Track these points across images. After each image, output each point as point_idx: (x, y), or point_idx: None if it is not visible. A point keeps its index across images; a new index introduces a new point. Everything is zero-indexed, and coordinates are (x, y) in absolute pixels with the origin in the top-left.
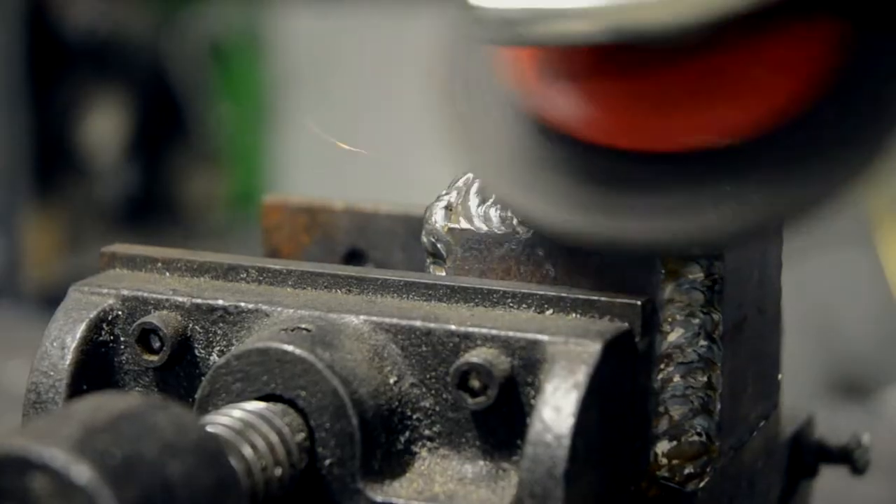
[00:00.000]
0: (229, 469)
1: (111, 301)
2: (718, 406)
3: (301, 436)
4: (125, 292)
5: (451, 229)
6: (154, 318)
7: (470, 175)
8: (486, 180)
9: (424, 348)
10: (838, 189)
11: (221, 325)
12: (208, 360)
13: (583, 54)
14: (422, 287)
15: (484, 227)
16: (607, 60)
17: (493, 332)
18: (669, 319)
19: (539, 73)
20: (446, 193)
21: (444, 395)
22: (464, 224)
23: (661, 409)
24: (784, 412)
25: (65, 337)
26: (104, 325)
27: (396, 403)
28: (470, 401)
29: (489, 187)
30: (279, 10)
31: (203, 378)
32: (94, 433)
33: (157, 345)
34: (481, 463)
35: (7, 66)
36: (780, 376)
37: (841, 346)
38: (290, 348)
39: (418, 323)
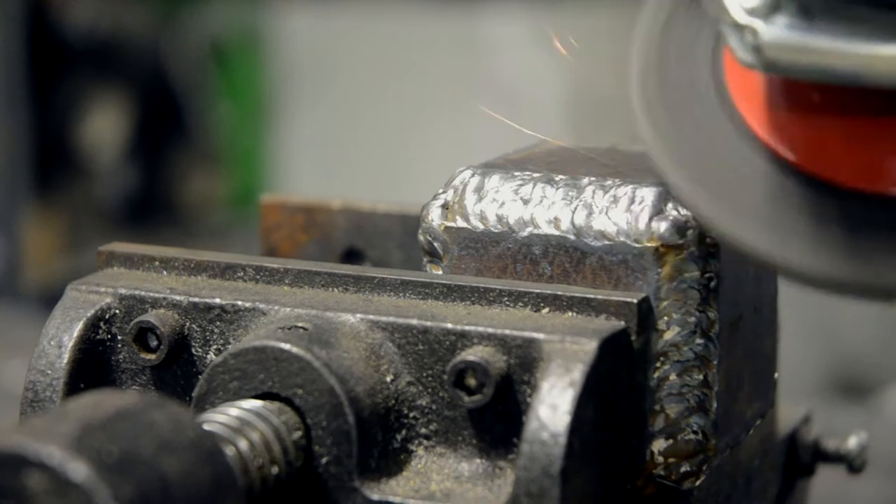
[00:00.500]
0: (226, 467)
1: (108, 300)
2: (714, 404)
3: (298, 434)
4: (122, 291)
5: (447, 228)
6: (151, 316)
7: (468, 174)
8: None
9: (421, 346)
10: None
11: (218, 323)
12: (205, 358)
13: (836, 92)
14: (418, 285)
15: (480, 226)
16: (858, 100)
17: (490, 330)
18: (665, 317)
19: (785, 105)
20: (443, 192)
21: (441, 394)
22: (460, 223)
23: (658, 407)
24: (781, 411)
25: (62, 335)
26: (101, 324)
27: (393, 401)
28: (466, 399)
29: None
30: (279, 10)
31: (200, 376)
32: (91, 431)
33: (154, 343)
34: (478, 461)
35: (7, 66)
36: (776, 375)
37: (841, 346)
38: (286, 346)
39: (415, 321)
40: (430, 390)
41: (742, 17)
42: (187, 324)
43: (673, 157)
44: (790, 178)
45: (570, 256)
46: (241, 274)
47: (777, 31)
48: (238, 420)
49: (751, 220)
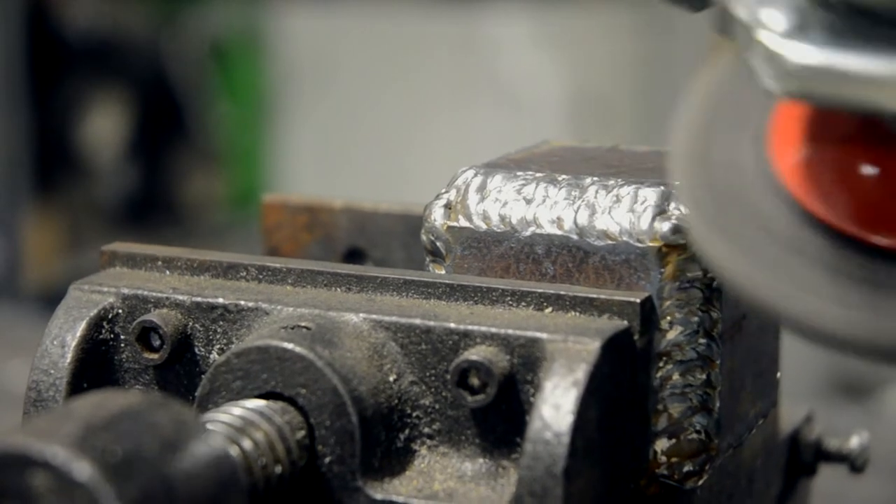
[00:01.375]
0: (230, 466)
1: (111, 299)
2: (717, 404)
3: (301, 433)
4: (125, 290)
5: (450, 227)
6: (154, 316)
7: (470, 174)
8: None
9: (424, 346)
10: None
11: (221, 323)
12: (208, 358)
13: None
14: (421, 285)
15: (483, 226)
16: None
17: (493, 329)
18: (668, 317)
19: (816, 159)
20: (446, 192)
21: (444, 393)
22: (463, 222)
23: (661, 406)
24: (783, 411)
25: (65, 335)
26: (104, 324)
27: (396, 401)
28: (469, 399)
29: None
30: (279, 10)
31: (203, 376)
32: (95, 431)
33: (157, 343)
34: (481, 461)
35: (7, 66)
36: (778, 375)
37: None
38: (289, 346)
39: (418, 321)
40: (433, 390)
41: (769, 40)
42: (190, 323)
43: (707, 217)
44: (809, 225)
45: (572, 256)
46: (244, 273)
47: (809, 54)
48: (241, 420)
49: (774, 275)
